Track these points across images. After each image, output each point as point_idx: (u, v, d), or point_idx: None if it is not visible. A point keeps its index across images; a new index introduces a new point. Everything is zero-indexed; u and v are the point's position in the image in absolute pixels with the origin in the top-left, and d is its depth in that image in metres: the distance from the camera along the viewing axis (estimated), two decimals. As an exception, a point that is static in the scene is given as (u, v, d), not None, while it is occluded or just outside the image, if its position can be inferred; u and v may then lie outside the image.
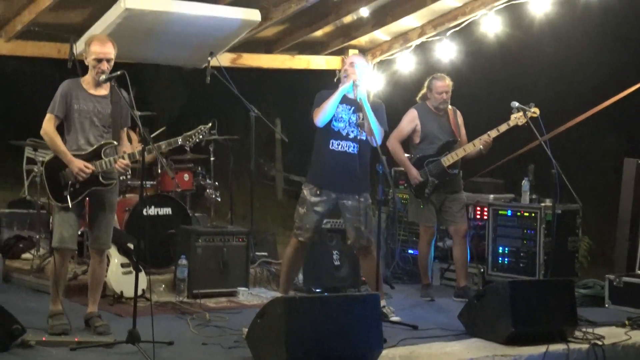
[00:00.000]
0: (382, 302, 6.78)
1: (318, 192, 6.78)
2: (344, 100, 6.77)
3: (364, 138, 6.76)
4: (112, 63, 6.05)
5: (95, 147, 6.05)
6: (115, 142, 6.14)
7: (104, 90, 6.11)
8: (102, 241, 6.19)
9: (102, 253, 6.25)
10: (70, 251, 6.22)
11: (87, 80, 6.11)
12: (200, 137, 6.17)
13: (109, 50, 6.04)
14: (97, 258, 6.23)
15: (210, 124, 6.29)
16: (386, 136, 7.16)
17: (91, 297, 6.25)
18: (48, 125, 5.99)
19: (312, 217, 6.81)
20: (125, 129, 6.28)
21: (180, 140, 6.17)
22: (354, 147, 6.74)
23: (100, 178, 6.05)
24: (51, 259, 6.12)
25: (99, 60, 5.99)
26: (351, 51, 9.96)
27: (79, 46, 7.77)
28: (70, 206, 5.99)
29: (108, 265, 7.15)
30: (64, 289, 6.35)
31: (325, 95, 6.81)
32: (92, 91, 6.08)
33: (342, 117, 6.75)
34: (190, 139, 6.17)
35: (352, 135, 6.76)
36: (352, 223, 6.80)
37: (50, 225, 7.35)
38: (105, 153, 6.06)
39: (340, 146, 6.76)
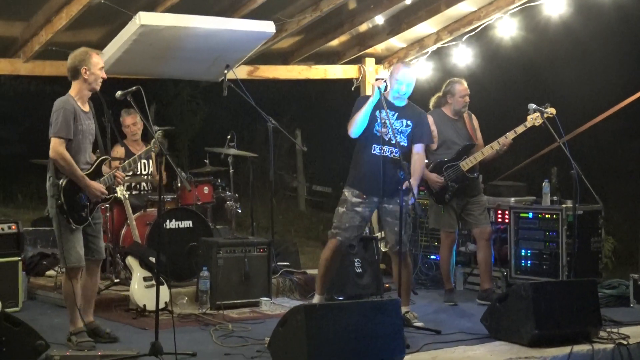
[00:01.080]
0: (406, 308, 6.77)
1: (362, 197, 6.78)
2: (389, 106, 6.75)
3: (406, 145, 6.80)
4: None
5: (95, 165, 6.13)
6: (109, 157, 6.30)
7: (87, 106, 6.16)
8: (101, 251, 6.29)
9: (99, 263, 6.33)
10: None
11: (78, 97, 6.10)
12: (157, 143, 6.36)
13: None
14: (96, 269, 6.25)
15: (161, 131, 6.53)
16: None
17: (89, 308, 6.26)
18: (63, 150, 5.92)
19: (352, 216, 6.80)
20: None
21: (153, 149, 6.30)
22: (395, 152, 6.69)
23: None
24: (66, 280, 6.08)
25: (101, 69, 6.12)
26: (368, 60, 10.00)
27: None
28: (90, 225, 6.11)
29: (131, 279, 7.23)
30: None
31: (360, 102, 6.82)
32: (84, 108, 6.12)
33: (385, 122, 6.69)
34: (155, 145, 6.31)
35: (394, 141, 6.70)
36: (392, 227, 6.78)
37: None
38: (104, 169, 6.18)
39: (382, 151, 6.73)
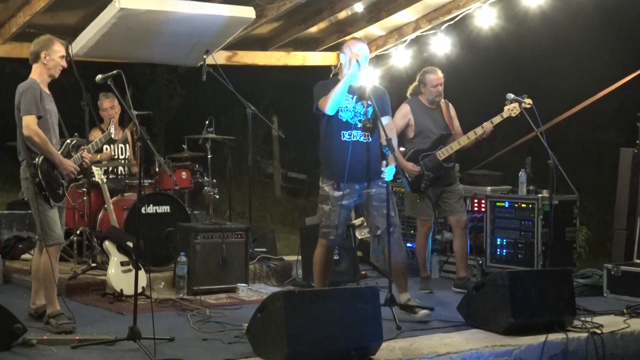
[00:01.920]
0: (407, 295, 6.72)
1: (339, 187, 6.58)
2: (348, 89, 6.58)
3: (374, 126, 6.62)
4: None
5: (64, 145, 6.24)
6: (75, 140, 6.35)
7: (48, 90, 6.25)
8: (62, 234, 6.29)
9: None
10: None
11: (40, 80, 6.18)
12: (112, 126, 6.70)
13: None
14: (56, 254, 6.20)
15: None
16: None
17: (41, 291, 6.24)
18: (36, 127, 5.98)
19: (338, 212, 6.57)
20: None
21: (110, 134, 6.57)
22: (365, 136, 6.58)
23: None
24: (46, 259, 6.08)
25: (62, 57, 6.19)
26: (346, 47, 10.00)
27: (75, 47, 7.81)
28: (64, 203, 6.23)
29: (108, 263, 7.21)
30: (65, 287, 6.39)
31: (328, 84, 6.66)
32: (47, 91, 6.21)
33: (347, 106, 6.58)
34: (111, 129, 6.61)
35: (360, 125, 6.58)
36: (380, 210, 6.60)
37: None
38: (74, 150, 6.26)
39: (351, 136, 6.58)
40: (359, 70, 6.52)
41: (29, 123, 5.97)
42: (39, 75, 6.19)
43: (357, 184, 6.64)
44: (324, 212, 6.68)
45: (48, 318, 6.07)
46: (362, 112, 6.62)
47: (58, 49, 6.19)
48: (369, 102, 6.63)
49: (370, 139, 6.63)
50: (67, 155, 6.20)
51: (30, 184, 6.03)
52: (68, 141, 6.33)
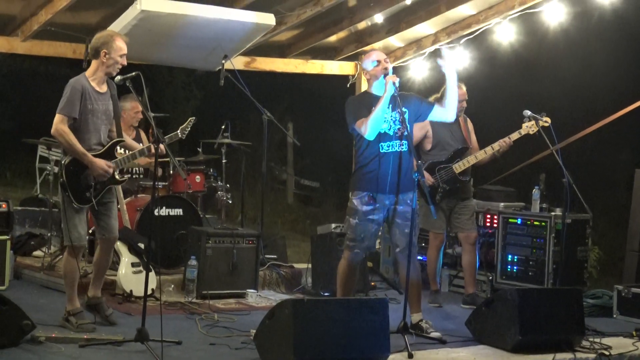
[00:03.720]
0: (419, 316, 6.58)
1: (371, 200, 6.41)
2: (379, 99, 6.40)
3: (410, 130, 6.49)
4: None
5: (107, 146, 6.15)
6: (124, 140, 6.29)
7: (105, 87, 6.15)
8: (111, 229, 6.27)
9: (113, 242, 6.34)
10: (84, 248, 6.33)
11: (93, 77, 6.09)
12: (189, 128, 6.49)
13: None
14: (109, 247, 6.28)
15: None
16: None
17: (98, 282, 6.38)
18: (64, 127, 5.92)
19: (367, 226, 6.45)
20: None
21: (179, 134, 6.37)
22: (403, 145, 6.40)
23: (116, 175, 6.18)
24: (67, 257, 6.12)
25: (122, 56, 6.08)
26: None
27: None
28: (95, 206, 6.13)
29: (118, 264, 7.23)
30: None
31: (360, 102, 6.55)
32: (99, 89, 6.11)
33: (384, 117, 6.41)
34: (185, 130, 6.43)
35: (399, 134, 6.40)
36: (402, 229, 6.45)
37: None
38: (117, 151, 6.18)
39: (390, 147, 6.41)
40: (395, 92, 6.35)
41: (55, 122, 5.96)
42: (93, 72, 6.08)
43: (388, 198, 6.45)
44: (350, 225, 6.53)
45: (68, 315, 6.08)
46: (398, 120, 6.45)
47: (120, 46, 6.05)
48: (404, 109, 6.47)
49: (406, 148, 6.44)
50: (109, 155, 6.12)
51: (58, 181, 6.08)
52: (121, 140, 6.28)
